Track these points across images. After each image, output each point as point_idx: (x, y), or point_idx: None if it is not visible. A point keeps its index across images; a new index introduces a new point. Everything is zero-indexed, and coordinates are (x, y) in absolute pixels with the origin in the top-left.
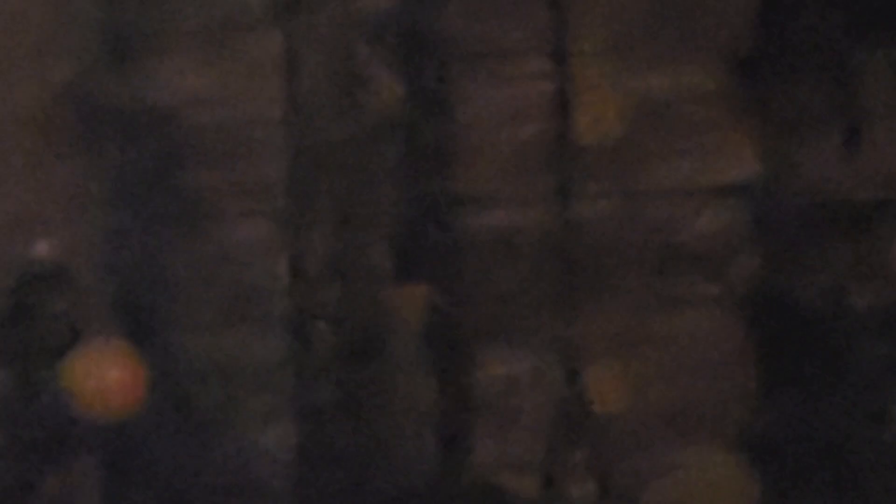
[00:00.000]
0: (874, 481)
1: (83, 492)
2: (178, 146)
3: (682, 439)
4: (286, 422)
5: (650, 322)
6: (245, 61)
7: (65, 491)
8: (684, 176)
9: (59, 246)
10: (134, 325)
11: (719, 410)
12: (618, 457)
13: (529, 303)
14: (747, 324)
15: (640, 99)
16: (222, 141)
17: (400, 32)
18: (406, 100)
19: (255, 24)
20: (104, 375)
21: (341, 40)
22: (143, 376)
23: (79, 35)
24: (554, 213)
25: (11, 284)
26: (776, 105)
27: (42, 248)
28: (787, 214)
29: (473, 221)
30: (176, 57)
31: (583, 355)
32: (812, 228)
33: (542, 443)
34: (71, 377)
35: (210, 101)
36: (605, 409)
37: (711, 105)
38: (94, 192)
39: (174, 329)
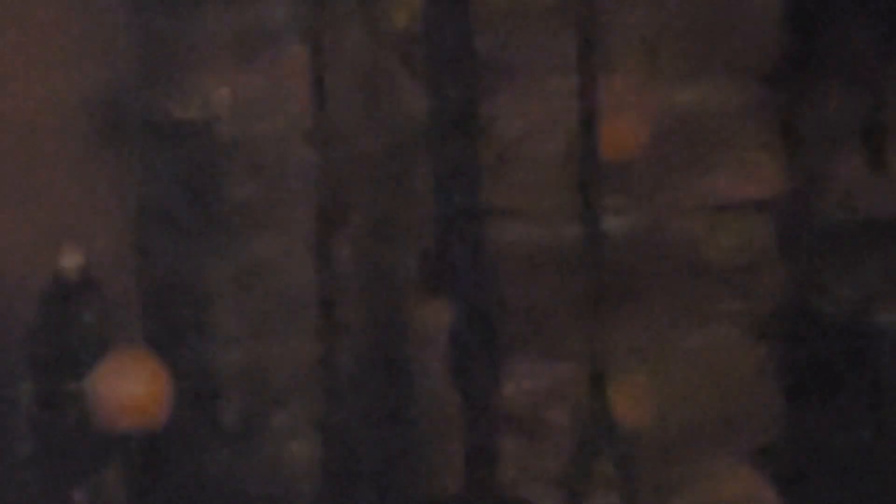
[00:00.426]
0: None
1: (111, 501)
2: (209, 159)
3: (705, 452)
4: (312, 433)
5: (675, 336)
6: (275, 76)
7: (93, 500)
8: (710, 191)
9: (90, 257)
10: (163, 336)
11: (743, 424)
12: (642, 469)
13: (557, 316)
14: (772, 339)
15: (666, 115)
16: (253, 154)
17: (429, 48)
18: (434, 115)
19: (284, 39)
20: (130, 388)
21: (369, 56)
22: (170, 389)
23: (113, 47)
24: (581, 228)
25: (42, 295)
26: (802, 121)
27: (72, 260)
28: (813, 230)
29: (501, 235)
30: (208, 71)
31: (609, 369)
32: (838, 244)
33: (568, 455)
34: (97, 389)
35: (241, 115)
36: (629, 422)
37: (737, 121)
38: (125, 205)
39: (205, 340)
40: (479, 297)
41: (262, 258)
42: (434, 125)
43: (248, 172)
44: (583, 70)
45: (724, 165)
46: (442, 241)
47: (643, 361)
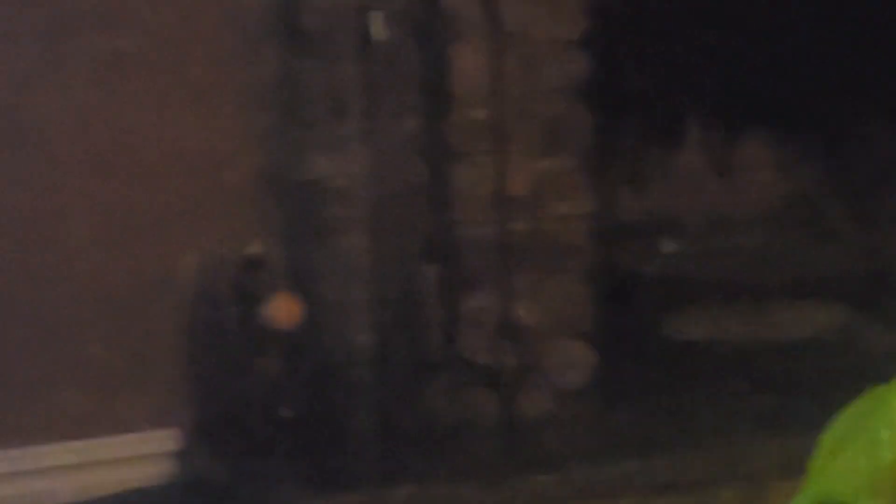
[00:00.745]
0: None
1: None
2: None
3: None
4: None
5: None
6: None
7: (261, 376)
8: None
9: (260, 248)
10: (297, 287)
11: None
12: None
13: None
14: None
15: None
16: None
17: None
18: None
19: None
20: (281, 308)
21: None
22: (300, 310)
23: (262, 117)
24: None
25: (238, 267)
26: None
27: (253, 248)
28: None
29: None
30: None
31: None
32: None
33: None
34: (270, 308)
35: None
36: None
37: None
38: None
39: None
40: None
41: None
42: None
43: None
44: None
45: None
46: None
47: None
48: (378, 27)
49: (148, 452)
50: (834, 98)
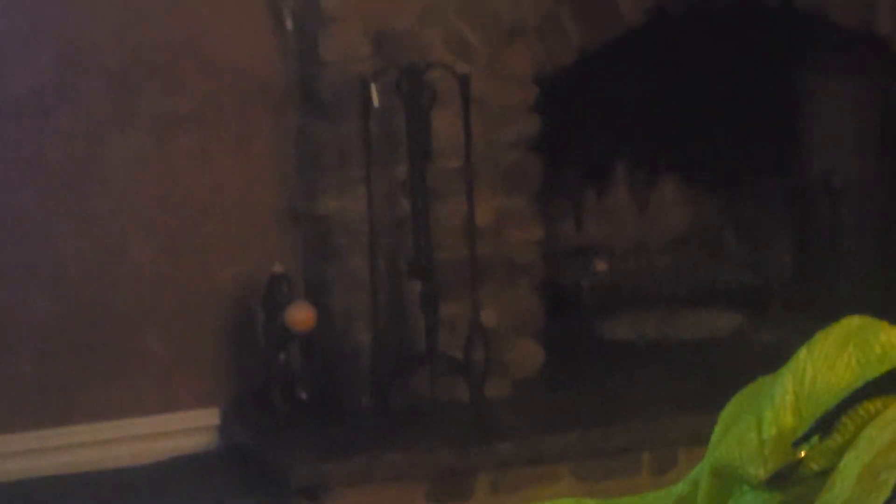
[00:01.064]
0: None
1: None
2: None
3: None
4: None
5: None
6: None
7: (283, 367)
8: None
9: (283, 267)
10: (312, 297)
11: None
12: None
13: None
14: None
15: None
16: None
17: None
18: None
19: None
20: (299, 314)
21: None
22: (314, 316)
23: (285, 165)
24: None
25: (266, 281)
26: None
27: (278, 267)
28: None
29: None
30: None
31: None
32: None
33: None
34: (288, 315)
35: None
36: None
37: None
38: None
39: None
40: None
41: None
42: None
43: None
44: None
45: None
46: None
47: None
48: (375, 96)
49: (195, 426)
50: (729, 150)
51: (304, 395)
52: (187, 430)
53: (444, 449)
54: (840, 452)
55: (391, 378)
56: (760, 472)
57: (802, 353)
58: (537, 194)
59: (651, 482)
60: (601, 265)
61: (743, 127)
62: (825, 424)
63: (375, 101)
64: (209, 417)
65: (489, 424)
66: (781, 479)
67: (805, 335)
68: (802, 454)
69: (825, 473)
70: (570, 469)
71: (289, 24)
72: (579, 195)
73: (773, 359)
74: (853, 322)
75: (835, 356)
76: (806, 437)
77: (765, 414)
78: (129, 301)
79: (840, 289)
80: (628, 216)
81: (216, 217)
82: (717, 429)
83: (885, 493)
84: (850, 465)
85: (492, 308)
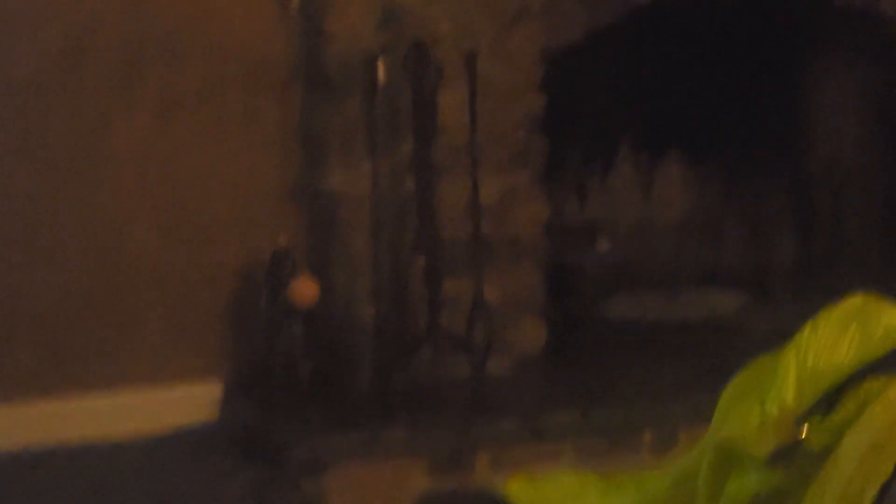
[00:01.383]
0: None
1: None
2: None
3: None
4: None
5: None
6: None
7: (286, 341)
8: None
9: (287, 243)
10: (315, 275)
11: None
12: None
13: None
14: None
15: None
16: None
17: None
18: None
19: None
20: (303, 288)
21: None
22: (317, 291)
23: (291, 142)
24: None
25: (270, 257)
26: None
27: (282, 242)
28: None
29: None
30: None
31: None
32: None
33: None
34: (291, 289)
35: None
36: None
37: None
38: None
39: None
40: None
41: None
42: None
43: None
44: None
45: None
46: None
47: None
48: (381, 73)
49: (196, 401)
50: (733, 131)
51: (306, 371)
52: (188, 404)
53: (446, 426)
54: (841, 431)
55: (393, 355)
56: (762, 450)
57: (806, 331)
58: (542, 173)
59: (652, 461)
60: (604, 245)
61: (748, 108)
62: (827, 403)
63: (382, 79)
64: (211, 392)
65: (490, 401)
66: (783, 457)
67: (807, 317)
68: (804, 433)
69: (826, 452)
70: (572, 447)
71: (293, 1)
72: (583, 175)
73: (776, 340)
74: (856, 301)
75: (837, 335)
76: (807, 416)
77: (767, 392)
78: (131, 277)
79: (843, 272)
80: (632, 196)
81: (220, 195)
82: (719, 407)
83: (886, 474)
84: (851, 445)
85: (495, 286)
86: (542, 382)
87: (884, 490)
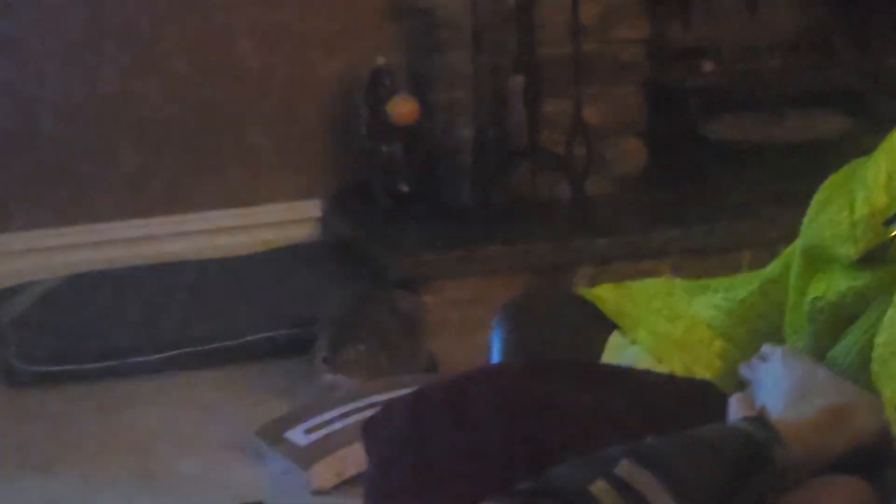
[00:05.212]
0: None
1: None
2: None
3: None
4: None
5: None
6: None
7: (385, 160)
8: None
9: (386, 60)
10: (415, 92)
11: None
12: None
13: None
14: None
15: None
16: None
17: None
18: None
19: None
20: (402, 106)
21: None
22: (417, 109)
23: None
24: None
25: (369, 74)
26: None
27: (381, 61)
28: None
29: None
30: None
31: None
32: None
33: None
34: (390, 107)
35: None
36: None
37: None
38: None
39: None
40: None
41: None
42: None
43: None
44: None
45: None
46: None
47: None
48: None
49: (297, 218)
50: None
51: (405, 189)
52: (290, 221)
53: (544, 243)
54: None
55: (492, 173)
56: (851, 251)
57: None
58: None
59: None
60: (708, 66)
61: None
62: None
63: None
64: (311, 209)
65: (590, 220)
66: (872, 258)
67: None
68: (894, 233)
69: None
70: (670, 266)
71: None
72: None
73: None
74: None
75: None
76: None
77: (857, 194)
78: (232, 95)
79: None
80: (738, 17)
81: (321, 11)
82: (810, 210)
83: None
84: None
85: (595, 106)
86: (641, 202)
87: None
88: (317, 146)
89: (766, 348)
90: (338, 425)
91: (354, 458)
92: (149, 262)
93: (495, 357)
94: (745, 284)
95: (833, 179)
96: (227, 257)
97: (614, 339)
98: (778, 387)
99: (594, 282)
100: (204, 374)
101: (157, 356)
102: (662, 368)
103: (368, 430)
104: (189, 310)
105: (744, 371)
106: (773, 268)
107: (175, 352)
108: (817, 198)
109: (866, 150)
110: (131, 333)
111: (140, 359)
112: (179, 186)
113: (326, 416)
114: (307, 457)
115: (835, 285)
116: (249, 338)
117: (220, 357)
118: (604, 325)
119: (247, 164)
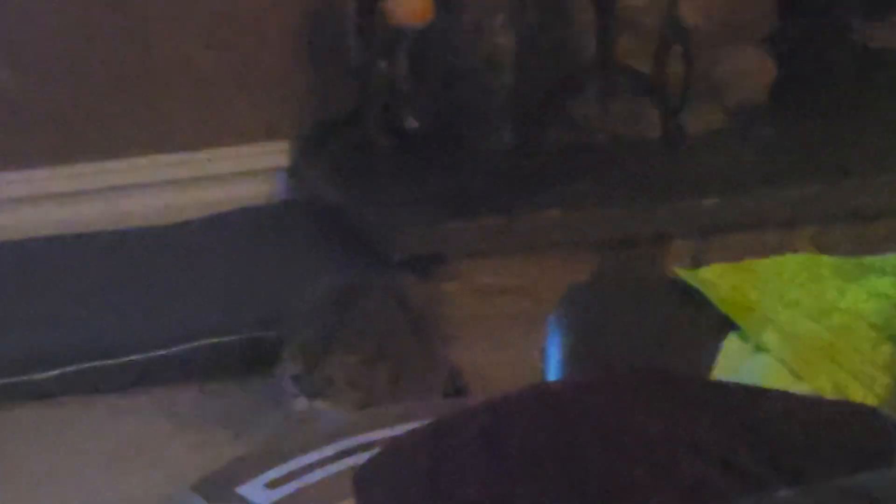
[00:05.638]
0: None
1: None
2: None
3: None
4: None
5: None
6: None
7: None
8: None
9: None
10: None
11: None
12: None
13: None
14: None
15: None
16: None
17: None
18: None
19: None
20: (408, 1)
21: None
22: (433, 5)
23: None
24: None
25: None
26: None
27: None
28: None
29: None
30: None
31: None
32: None
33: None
34: (390, 3)
35: None
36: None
37: None
38: None
39: None
40: None
41: None
42: None
43: None
44: None
45: None
46: None
47: None
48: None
49: (255, 168)
50: None
51: (413, 124)
52: (242, 173)
53: (621, 205)
54: None
55: (544, 101)
56: None
57: None
58: None
59: None
60: None
61: None
62: None
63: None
64: (274, 156)
65: (688, 170)
66: None
67: None
68: None
69: None
70: (810, 237)
71: None
72: None
73: None
74: None
75: None
76: None
77: None
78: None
79: None
80: None
81: None
82: None
83: None
84: None
85: (696, 3)
86: (766, 144)
87: None
88: (282, 62)
89: None
90: (315, 476)
91: None
92: (39, 233)
93: (552, 372)
94: None
95: None
96: (151, 226)
97: (731, 343)
98: None
99: (699, 261)
100: (116, 400)
101: (46, 374)
102: (803, 388)
103: (363, 484)
104: (97, 305)
105: None
106: None
107: (73, 367)
108: None
109: None
110: (11, 341)
111: (23, 378)
112: (79, 122)
113: (298, 461)
114: None
115: None
116: (184, 346)
117: (142, 374)
118: (714, 322)
119: (178, 89)
